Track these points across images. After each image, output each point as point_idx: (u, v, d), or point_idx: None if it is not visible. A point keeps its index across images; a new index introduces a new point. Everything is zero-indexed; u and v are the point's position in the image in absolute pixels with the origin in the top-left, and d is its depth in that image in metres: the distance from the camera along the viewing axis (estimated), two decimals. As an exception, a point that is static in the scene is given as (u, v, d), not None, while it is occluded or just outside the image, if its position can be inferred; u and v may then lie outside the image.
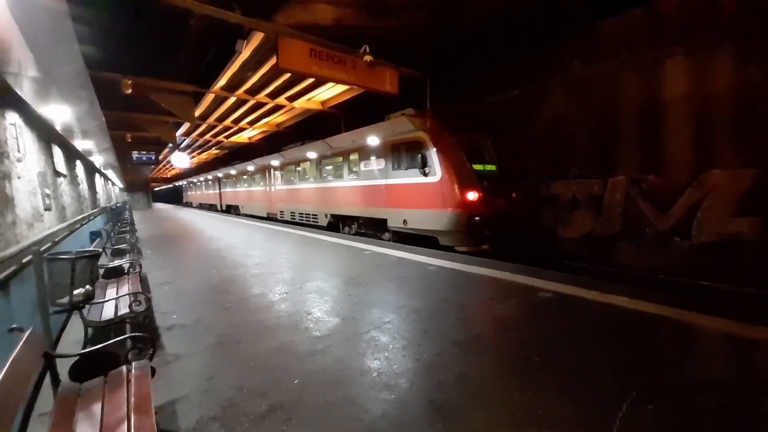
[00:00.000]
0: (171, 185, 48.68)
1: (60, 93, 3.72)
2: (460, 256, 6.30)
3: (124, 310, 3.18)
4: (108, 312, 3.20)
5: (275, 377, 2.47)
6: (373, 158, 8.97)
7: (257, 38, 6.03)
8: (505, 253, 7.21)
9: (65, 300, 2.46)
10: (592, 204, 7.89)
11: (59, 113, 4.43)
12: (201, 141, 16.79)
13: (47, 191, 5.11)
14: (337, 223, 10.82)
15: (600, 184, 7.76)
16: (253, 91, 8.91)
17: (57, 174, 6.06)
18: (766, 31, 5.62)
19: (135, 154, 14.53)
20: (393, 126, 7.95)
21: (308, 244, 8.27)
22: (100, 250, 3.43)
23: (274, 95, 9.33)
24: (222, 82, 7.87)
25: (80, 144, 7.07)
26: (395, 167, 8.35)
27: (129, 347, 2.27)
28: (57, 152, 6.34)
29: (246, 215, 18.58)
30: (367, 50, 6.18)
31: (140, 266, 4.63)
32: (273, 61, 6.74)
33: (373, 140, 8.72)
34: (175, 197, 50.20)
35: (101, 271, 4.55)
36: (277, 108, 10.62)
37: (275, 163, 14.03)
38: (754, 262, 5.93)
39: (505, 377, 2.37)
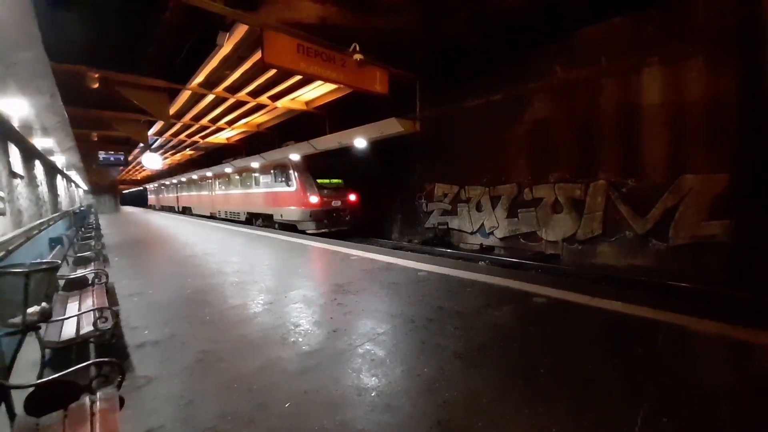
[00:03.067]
0: (141, 188, 46.62)
1: (17, 83, 3.32)
2: (449, 261, 6.21)
3: (87, 327, 2.84)
4: (68, 330, 2.84)
5: (263, 400, 2.23)
6: (265, 174, 13.67)
7: (240, 31, 5.70)
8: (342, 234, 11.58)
9: (18, 320, 2.13)
10: (573, 207, 8.03)
11: (16, 107, 3.99)
12: (175, 141, 16.00)
13: (1, 194, 4.62)
14: (251, 219, 15.15)
15: (582, 188, 7.91)
16: (234, 88, 8.50)
17: (13, 175, 5.52)
18: (733, 41, 5.90)
19: (102, 155, 13.61)
20: (381, 128, 7.94)
21: (290, 249, 7.96)
22: (59, 261, 3.07)
23: (255, 94, 8.94)
24: (200, 78, 7.44)
25: (40, 142, 6.50)
26: (275, 181, 13.01)
27: (94, 374, 1.99)
28: (13, 151, 5.79)
29: (199, 215, 21.83)
30: (357, 48, 5.99)
31: (106, 276, 4.24)
32: (256, 57, 6.42)
33: (262, 162, 13.27)
34: (145, 200, 48.15)
35: (61, 283, 4.14)
36: (259, 107, 10.21)
37: (214, 173, 18.41)
38: (727, 264, 6.16)
39: (512, 392, 2.24)
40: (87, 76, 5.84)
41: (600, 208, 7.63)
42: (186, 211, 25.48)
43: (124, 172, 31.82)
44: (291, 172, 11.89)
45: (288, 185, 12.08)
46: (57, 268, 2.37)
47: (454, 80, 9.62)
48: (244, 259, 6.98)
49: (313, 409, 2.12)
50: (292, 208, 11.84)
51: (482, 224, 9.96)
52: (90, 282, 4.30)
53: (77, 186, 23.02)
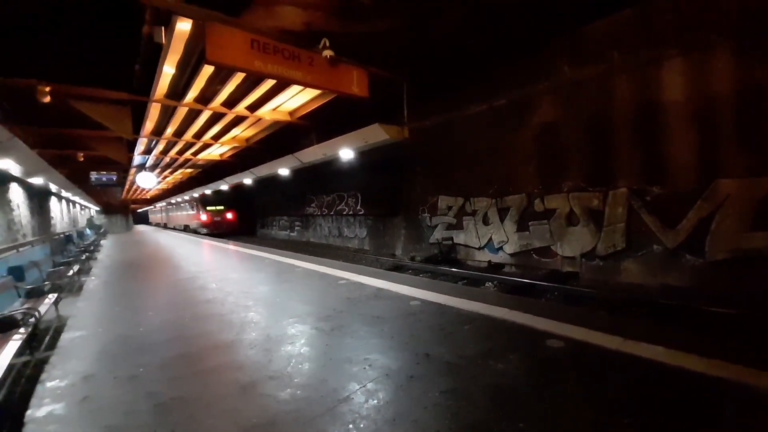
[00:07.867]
0: (152, 206, 47.44)
1: None
2: (448, 287, 5.43)
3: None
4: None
5: None
6: (187, 204, 29.75)
7: (184, 26, 5.06)
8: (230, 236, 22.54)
9: None
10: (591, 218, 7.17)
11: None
12: (168, 159, 15.63)
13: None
14: (185, 228, 29.10)
15: (600, 197, 7.06)
16: (205, 99, 7.88)
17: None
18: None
19: (94, 175, 13.31)
20: (364, 136, 7.38)
21: (279, 272, 7.32)
22: None
23: (230, 104, 8.28)
24: (163, 86, 6.86)
25: (4, 164, 6.05)
26: (191, 208, 28.68)
27: None
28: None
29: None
30: (327, 44, 5.32)
31: (36, 317, 3.62)
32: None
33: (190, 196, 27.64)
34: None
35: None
36: (240, 120, 9.59)
37: (178, 200, 31.52)
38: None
39: None
40: (37, 90, 5.35)
41: (622, 220, 6.76)
42: (168, 227, 37.93)
43: (133, 192, 32.12)
44: (194, 204, 26.08)
45: (193, 211, 26.84)
46: None
47: (453, 84, 8.94)
48: (224, 285, 6.31)
49: None
50: (196, 221, 26.22)
51: (490, 239, 9.14)
52: (18, 323, 3.69)
53: (83, 207, 23.12)
